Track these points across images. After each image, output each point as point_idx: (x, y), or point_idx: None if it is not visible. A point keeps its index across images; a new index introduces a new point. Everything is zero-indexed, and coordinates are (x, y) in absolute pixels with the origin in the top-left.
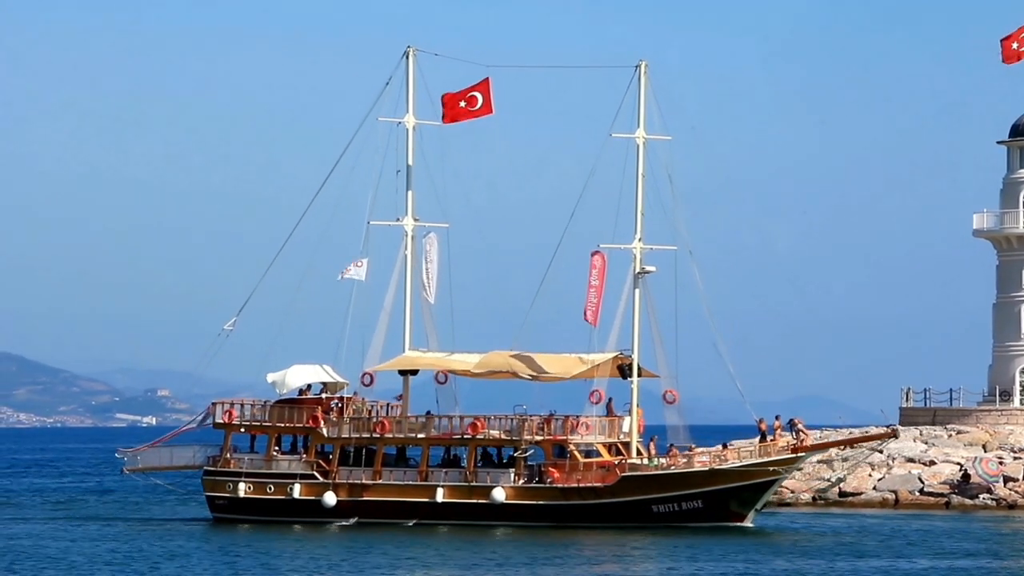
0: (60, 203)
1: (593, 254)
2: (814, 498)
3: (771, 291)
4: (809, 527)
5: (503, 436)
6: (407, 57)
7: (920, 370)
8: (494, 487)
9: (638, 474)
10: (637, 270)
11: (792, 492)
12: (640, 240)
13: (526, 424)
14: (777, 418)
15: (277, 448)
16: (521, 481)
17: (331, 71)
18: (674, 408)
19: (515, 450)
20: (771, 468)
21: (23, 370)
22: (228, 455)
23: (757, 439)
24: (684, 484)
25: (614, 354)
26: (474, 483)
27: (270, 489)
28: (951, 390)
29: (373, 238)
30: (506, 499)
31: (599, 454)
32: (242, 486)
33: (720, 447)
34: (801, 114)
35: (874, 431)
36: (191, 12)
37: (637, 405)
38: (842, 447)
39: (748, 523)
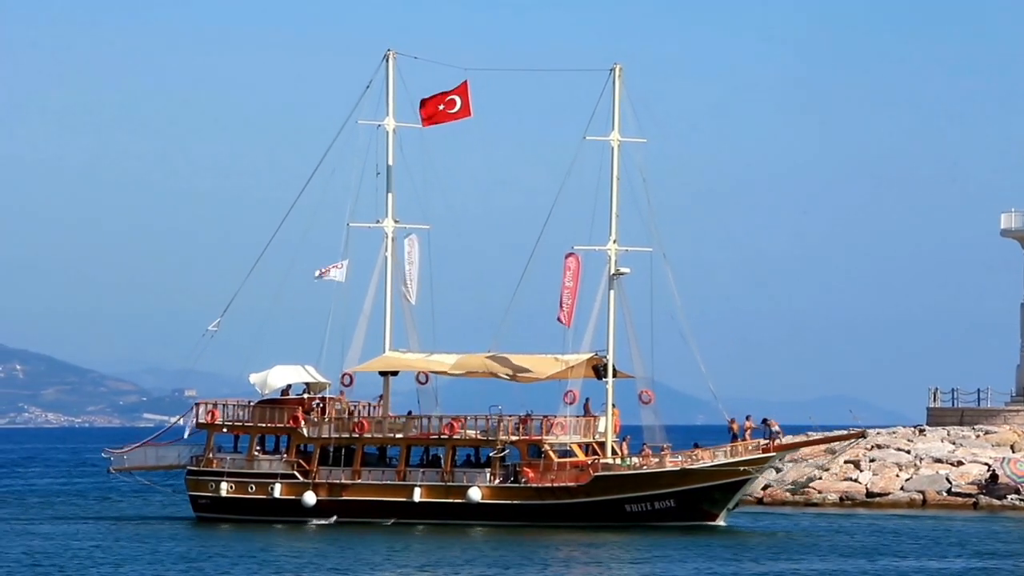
0: (88, 204)
1: (567, 256)
2: (842, 498)
3: (795, 292)
4: (841, 528)
5: (479, 436)
6: (387, 60)
7: (948, 370)
8: (470, 487)
9: (610, 474)
10: (612, 272)
11: (820, 492)
12: (615, 242)
13: (502, 424)
14: (748, 418)
15: (259, 448)
16: (497, 481)
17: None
18: (650, 408)
19: (492, 450)
20: (742, 468)
21: (51, 370)
22: (211, 455)
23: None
24: (656, 484)
25: (589, 355)
26: (451, 483)
27: (251, 489)
28: (979, 390)
29: (353, 240)
30: (482, 499)
31: (574, 454)
32: (224, 485)
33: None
34: (823, 114)
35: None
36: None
37: (613, 405)
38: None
39: (721, 522)
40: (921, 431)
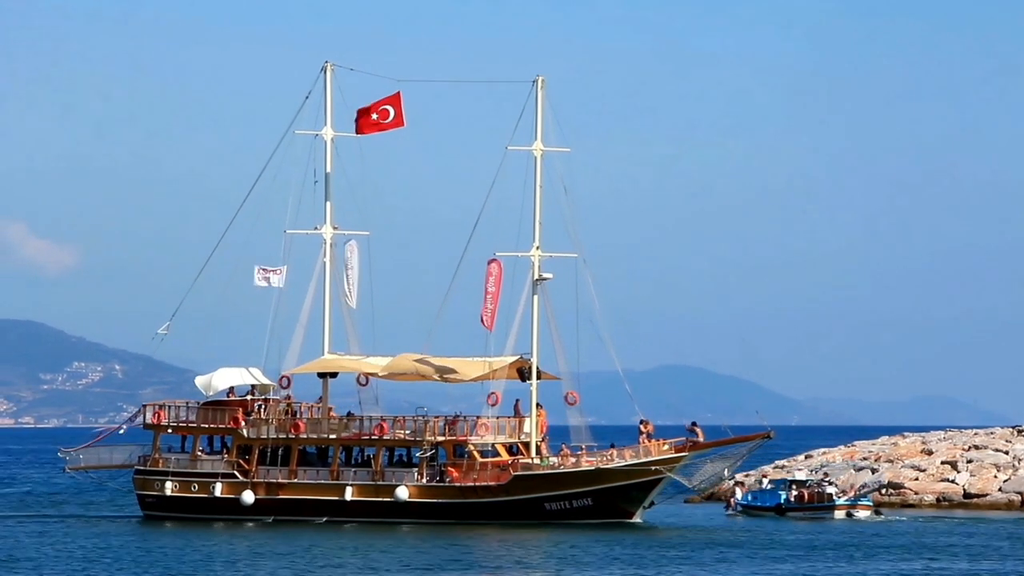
0: (174, 208)
1: (490, 262)
2: (939, 499)
3: (895, 294)
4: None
5: (407, 437)
6: (325, 72)
7: None
8: (398, 486)
9: (530, 473)
10: (535, 277)
11: (916, 494)
12: (538, 248)
13: (428, 425)
14: (646, 423)
15: (204, 448)
16: (424, 480)
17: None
18: (575, 409)
19: (420, 450)
20: (653, 468)
21: (149, 370)
22: (157, 455)
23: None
24: (573, 483)
25: (515, 357)
26: (380, 482)
27: (194, 488)
28: None
29: (294, 246)
30: (409, 497)
31: (498, 454)
32: (168, 484)
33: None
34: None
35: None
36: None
37: (538, 406)
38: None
39: (637, 519)
40: (1020, 431)
